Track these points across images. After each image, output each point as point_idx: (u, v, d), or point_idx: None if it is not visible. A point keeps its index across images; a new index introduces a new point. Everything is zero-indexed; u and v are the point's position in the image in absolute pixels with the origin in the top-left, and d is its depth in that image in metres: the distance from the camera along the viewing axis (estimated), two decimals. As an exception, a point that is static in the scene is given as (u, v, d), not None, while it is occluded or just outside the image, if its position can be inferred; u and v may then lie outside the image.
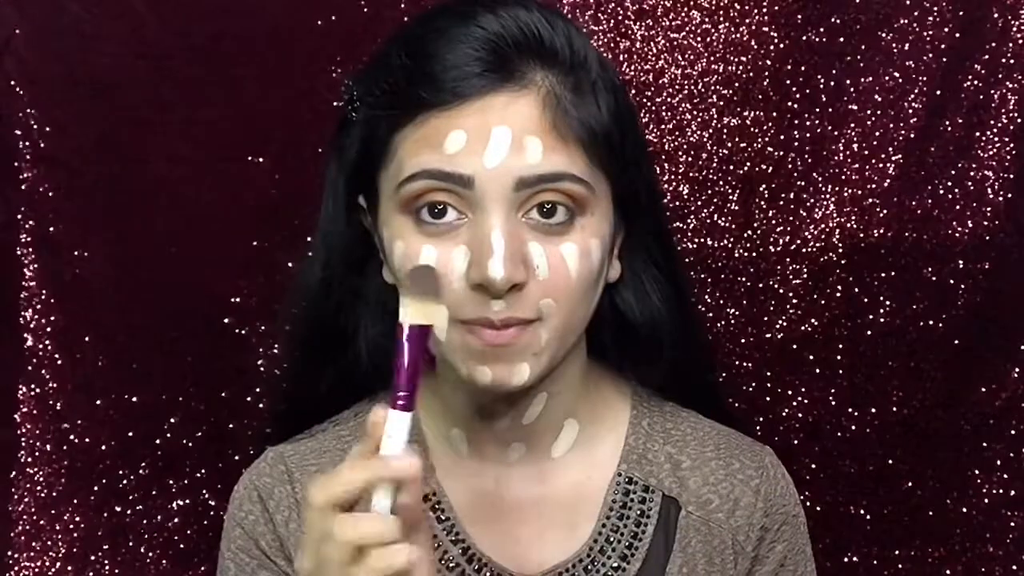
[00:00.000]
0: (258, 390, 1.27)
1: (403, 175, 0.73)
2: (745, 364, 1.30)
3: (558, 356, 0.76)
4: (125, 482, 1.32)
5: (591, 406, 0.85)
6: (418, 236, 0.73)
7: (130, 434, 1.31)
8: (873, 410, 1.31)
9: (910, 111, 1.27)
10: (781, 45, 1.26)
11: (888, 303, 1.29)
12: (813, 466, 1.31)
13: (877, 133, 1.27)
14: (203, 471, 1.31)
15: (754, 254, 1.29)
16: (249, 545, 0.83)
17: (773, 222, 1.29)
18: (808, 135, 1.28)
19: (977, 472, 1.31)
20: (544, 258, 0.72)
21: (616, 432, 0.85)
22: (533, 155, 0.72)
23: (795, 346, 1.30)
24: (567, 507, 0.83)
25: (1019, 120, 1.26)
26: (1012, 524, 1.31)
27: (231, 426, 1.28)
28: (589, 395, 0.85)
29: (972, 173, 1.28)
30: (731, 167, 1.28)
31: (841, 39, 1.26)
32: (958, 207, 1.28)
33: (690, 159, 1.28)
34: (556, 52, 0.74)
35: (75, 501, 1.32)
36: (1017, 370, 1.30)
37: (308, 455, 0.85)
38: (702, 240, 1.29)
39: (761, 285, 1.29)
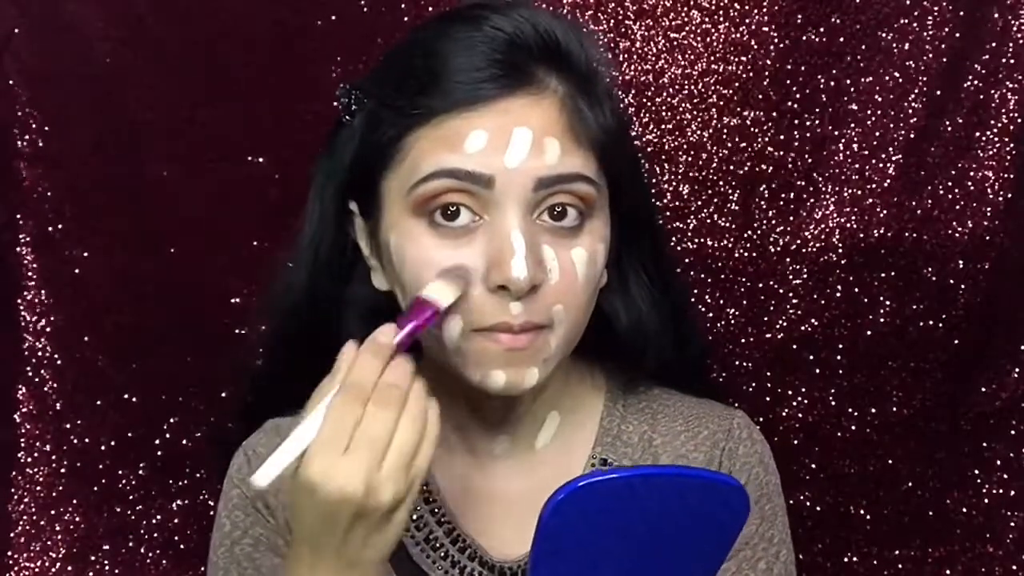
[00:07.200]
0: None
1: (419, 175, 0.72)
2: (745, 364, 1.30)
3: (560, 362, 0.77)
4: (125, 482, 1.32)
5: (570, 397, 0.86)
6: (432, 239, 0.73)
7: (130, 434, 1.31)
8: (873, 410, 1.31)
9: (910, 111, 1.27)
10: (781, 45, 1.26)
11: (888, 303, 1.29)
12: (813, 466, 1.31)
13: (877, 133, 1.27)
14: (203, 471, 1.31)
15: (754, 254, 1.29)
16: (245, 503, 0.84)
17: (773, 222, 1.29)
18: (808, 135, 1.28)
19: (977, 472, 1.31)
20: (556, 262, 0.73)
21: (592, 418, 0.87)
22: (551, 156, 0.72)
23: (795, 346, 1.30)
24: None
25: (1019, 120, 1.26)
26: (1012, 524, 1.31)
27: (231, 426, 1.28)
28: (569, 386, 0.86)
29: (972, 173, 1.28)
30: (731, 167, 1.28)
31: (841, 39, 1.26)
32: (958, 207, 1.28)
33: (690, 159, 1.28)
34: (571, 56, 0.76)
35: (75, 501, 1.32)
36: (1017, 370, 1.30)
37: None
38: (702, 240, 1.29)
39: (761, 285, 1.29)
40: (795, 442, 1.31)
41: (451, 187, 0.72)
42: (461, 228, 0.72)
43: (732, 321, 1.30)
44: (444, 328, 0.73)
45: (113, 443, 1.31)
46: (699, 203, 1.29)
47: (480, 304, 0.72)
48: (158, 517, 1.32)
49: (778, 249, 1.29)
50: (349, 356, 0.67)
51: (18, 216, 1.29)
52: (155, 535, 1.32)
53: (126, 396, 1.31)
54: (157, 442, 1.31)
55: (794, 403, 1.31)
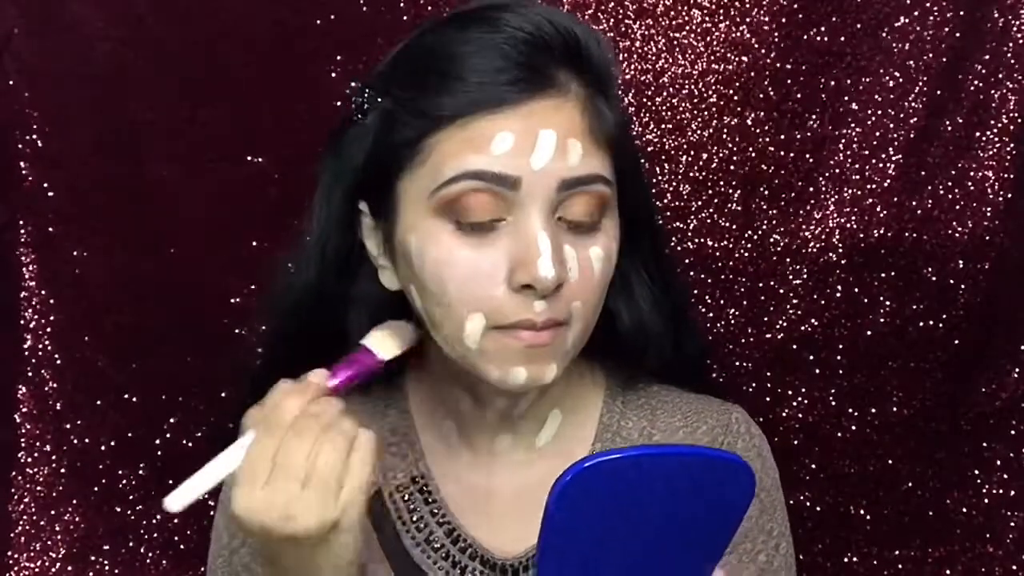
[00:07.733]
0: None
1: (443, 178, 0.72)
2: (745, 364, 1.30)
3: (574, 357, 0.78)
4: (125, 482, 1.32)
5: (572, 395, 0.87)
6: (455, 240, 0.73)
7: (130, 434, 1.31)
8: (873, 410, 1.31)
9: (910, 111, 1.27)
10: (782, 44, 1.26)
11: (888, 303, 1.29)
12: (813, 466, 1.31)
13: (877, 133, 1.27)
14: (203, 471, 1.31)
15: (754, 254, 1.29)
16: None
17: (773, 222, 1.29)
18: (808, 135, 1.28)
19: (977, 472, 1.31)
20: (575, 260, 0.74)
21: (592, 415, 0.87)
22: (574, 158, 0.73)
23: (795, 346, 1.30)
24: None
25: (1019, 120, 1.26)
26: (1012, 524, 1.31)
27: (231, 426, 1.28)
28: (571, 385, 0.86)
29: (972, 173, 1.28)
30: (731, 167, 1.28)
31: (841, 39, 1.26)
32: (958, 207, 1.28)
33: (690, 159, 1.28)
34: (592, 57, 0.76)
35: (75, 501, 1.32)
36: (1017, 370, 1.30)
37: None
38: (702, 240, 1.29)
39: (761, 285, 1.29)
40: (795, 442, 1.31)
41: (476, 188, 0.72)
42: (485, 228, 0.73)
43: (732, 321, 1.30)
44: (464, 326, 0.73)
45: (113, 443, 1.31)
46: (699, 203, 1.29)
47: (503, 303, 0.72)
48: (158, 517, 1.32)
49: (778, 249, 1.29)
50: (280, 391, 0.69)
51: (18, 216, 1.29)
52: (155, 535, 1.32)
53: (126, 396, 1.31)
54: (157, 442, 1.31)
55: (794, 403, 1.31)
